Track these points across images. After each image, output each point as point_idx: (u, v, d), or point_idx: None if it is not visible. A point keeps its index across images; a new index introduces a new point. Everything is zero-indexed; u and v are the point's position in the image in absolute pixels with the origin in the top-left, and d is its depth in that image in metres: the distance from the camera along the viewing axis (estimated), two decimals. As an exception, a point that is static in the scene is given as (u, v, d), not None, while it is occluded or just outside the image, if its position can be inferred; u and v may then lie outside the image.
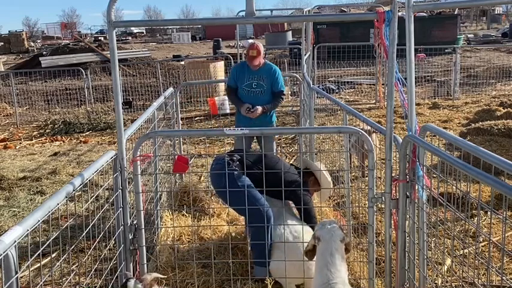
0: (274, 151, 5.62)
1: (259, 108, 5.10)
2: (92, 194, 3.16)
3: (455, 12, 25.31)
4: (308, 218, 3.75)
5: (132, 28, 55.28)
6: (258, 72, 5.22)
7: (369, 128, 4.31)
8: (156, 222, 4.20)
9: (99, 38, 35.75)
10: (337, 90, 13.82)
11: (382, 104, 11.26)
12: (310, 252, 2.93)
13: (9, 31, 44.24)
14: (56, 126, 10.79)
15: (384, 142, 3.10)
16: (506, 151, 6.62)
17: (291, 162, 5.03)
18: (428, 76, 14.53)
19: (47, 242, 3.06)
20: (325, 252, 2.77)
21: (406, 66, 2.73)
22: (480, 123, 7.90)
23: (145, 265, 3.28)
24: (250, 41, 29.95)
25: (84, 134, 10.26)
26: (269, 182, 3.36)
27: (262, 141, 5.04)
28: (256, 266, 3.68)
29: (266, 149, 4.94)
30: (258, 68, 5.21)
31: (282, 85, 5.38)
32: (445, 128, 8.48)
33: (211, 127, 10.31)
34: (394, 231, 3.02)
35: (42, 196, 5.99)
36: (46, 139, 9.91)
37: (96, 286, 2.81)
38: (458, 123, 9.39)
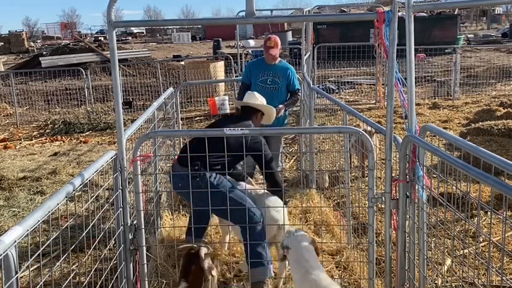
0: (281, 151, 5.67)
1: (281, 106, 5.17)
2: (92, 194, 3.16)
3: (455, 12, 25.32)
4: (273, 182, 3.81)
5: (132, 28, 55.29)
6: (274, 69, 5.28)
7: (370, 128, 4.32)
8: (156, 222, 4.20)
9: (99, 38, 35.76)
10: (337, 90, 13.81)
11: (382, 104, 11.26)
12: (281, 262, 2.92)
13: (9, 31, 44.24)
14: (56, 126, 10.79)
15: (383, 142, 3.10)
16: (506, 151, 6.62)
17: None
18: (428, 76, 14.52)
19: (47, 242, 3.07)
20: (300, 260, 2.76)
21: (406, 66, 2.73)
22: (480, 123, 7.90)
23: (146, 265, 3.28)
24: (251, 41, 30.01)
25: (84, 134, 10.26)
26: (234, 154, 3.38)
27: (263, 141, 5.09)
28: (250, 268, 3.58)
29: (273, 149, 4.97)
30: (274, 62, 5.27)
31: (297, 84, 5.47)
32: (445, 128, 8.48)
33: (211, 127, 10.29)
34: (394, 231, 3.02)
35: (42, 196, 5.99)
36: (46, 139, 9.91)
37: (96, 286, 2.81)
38: (458, 123, 9.39)
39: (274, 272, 3.60)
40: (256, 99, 4.17)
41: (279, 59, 5.38)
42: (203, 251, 2.75)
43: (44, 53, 22.27)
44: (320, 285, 2.63)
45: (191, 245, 2.89)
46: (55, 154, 8.17)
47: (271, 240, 3.73)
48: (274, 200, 3.73)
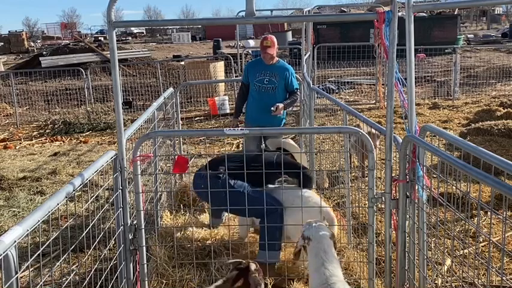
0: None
1: (280, 105, 5.15)
2: (92, 194, 3.16)
3: (455, 13, 25.32)
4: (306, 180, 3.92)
5: (132, 28, 55.24)
6: (271, 69, 5.27)
7: (374, 131, 4.33)
8: (156, 222, 4.20)
9: (99, 38, 35.75)
10: (337, 91, 13.81)
11: (382, 104, 11.26)
12: (299, 253, 2.93)
13: (9, 31, 44.18)
14: (56, 126, 10.79)
15: (383, 142, 3.10)
16: (506, 151, 6.62)
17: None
18: (428, 76, 14.52)
19: (47, 242, 3.06)
20: (319, 251, 2.77)
21: (406, 66, 2.73)
22: (480, 123, 7.90)
23: (145, 265, 3.28)
24: (251, 41, 30.01)
25: (84, 134, 10.26)
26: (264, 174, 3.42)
27: (261, 140, 5.12)
28: (260, 250, 3.75)
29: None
30: (271, 62, 5.27)
31: (296, 83, 5.46)
32: (445, 128, 8.48)
33: (211, 127, 10.31)
34: (394, 231, 3.02)
35: (42, 196, 5.98)
36: (46, 139, 9.91)
37: (96, 286, 2.81)
38: (458, 123, 9.39)
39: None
40: (295, 147, 4.35)
41: (276, 58, 5.36)
42: (253, 266, 2.75)
43: (44, 53, 22.26)
44: (328, 281, 2.63)
45: (239, 260, 2.90)
46: (55, 154, 8.17)
47: None
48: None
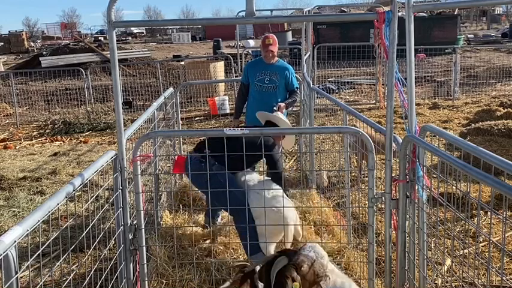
0: (280, 150, 5.69)
1: (282, 105, 5.16)
2: (92, 194, 3.16)
3: (455, 13, 25.32)
4: (276, 177, 3.97)
5: (132, 28, 55.23)
6: (271, 68, 5.28)
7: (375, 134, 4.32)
8: (156, 222, 4.20)
9: (99, 38, 35.75)
10: (337, 91, 13.81)
11: (382, 104, 11.26)
12: None
13: (9, 31, 44.16)
14: (56, 126, 10.79)
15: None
16: (506, 151, 6.63)
17: None
18: (428, 76, 14.52)
19: (47, 242, 3.07)
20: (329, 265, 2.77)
21: (406, 66, 2.73)
22: (480, 123, 7.90)
23: (145, 265, 3.28)
24: (251, 41, 30.01)
25: (84, 134, 10.26)
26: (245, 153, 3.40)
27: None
28: (250, 255, 3.74)
29: None
30: (272, 61, 5.27)
31: (296, 83, 5.47)
32: (445, 128, 8.48)
33: (211, 127, 10.31)
34: (394, 231, 3.02)
35: (42, 196, 5.98)
36: (46, 139, 9.91)
37: (96, 286, 2.81)
38: (458, 123, 9.39)
39: None
40: (281, 119, 4.35)
41: (276, 58, 5.38)
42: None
43: (44, 53, 22.25)
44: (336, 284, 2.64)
45: (245, 263, 2.87)
46: (55, 154, 8.17)
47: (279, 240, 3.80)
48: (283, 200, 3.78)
